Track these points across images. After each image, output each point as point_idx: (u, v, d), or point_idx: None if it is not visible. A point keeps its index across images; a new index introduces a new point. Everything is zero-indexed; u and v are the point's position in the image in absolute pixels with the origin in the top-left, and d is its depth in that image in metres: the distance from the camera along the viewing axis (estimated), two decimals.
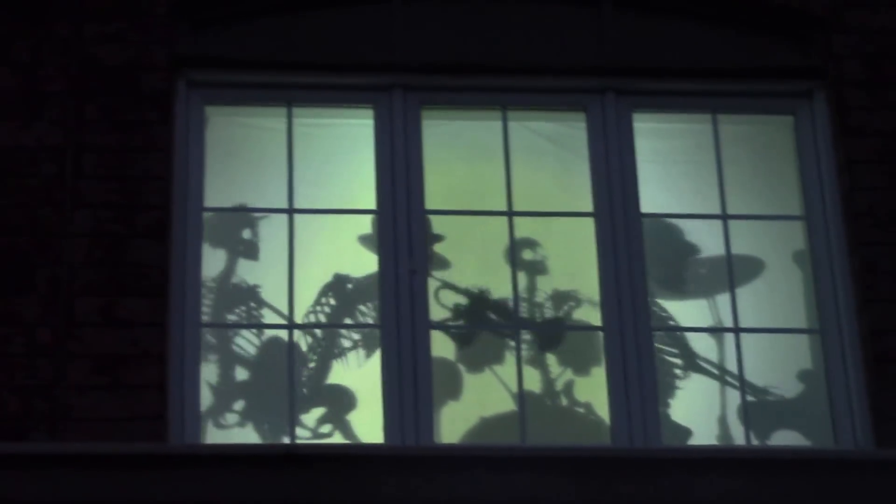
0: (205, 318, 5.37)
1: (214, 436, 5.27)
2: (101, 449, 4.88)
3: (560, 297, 5.53)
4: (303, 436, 5.27)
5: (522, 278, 5.51)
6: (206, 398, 5.30)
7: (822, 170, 5.62)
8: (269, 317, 5.41)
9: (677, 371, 5.46)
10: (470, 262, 5.56)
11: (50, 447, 4.91)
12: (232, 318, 5.42)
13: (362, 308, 5.46)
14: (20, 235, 5.26)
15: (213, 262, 5.47)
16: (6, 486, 4.80)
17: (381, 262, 5.44)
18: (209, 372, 5.34)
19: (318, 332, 5.41)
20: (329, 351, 5.41)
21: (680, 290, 5.57)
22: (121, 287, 5.21)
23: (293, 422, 5.28)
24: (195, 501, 4.83)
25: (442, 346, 5.40)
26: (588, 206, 5.56)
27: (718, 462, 4.97)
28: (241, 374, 5.37)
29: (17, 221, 5.28)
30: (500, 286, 5.51)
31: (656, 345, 5.42)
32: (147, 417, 5.07)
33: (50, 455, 4.85)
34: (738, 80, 5.69)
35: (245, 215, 5.54)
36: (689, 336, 5.49)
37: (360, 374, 5.40)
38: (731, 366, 5.44)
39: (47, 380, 5.09)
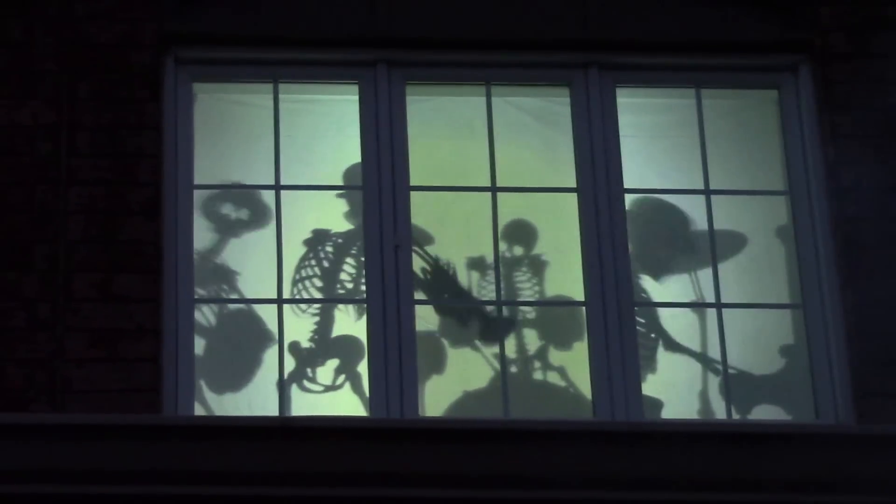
0: (197, 294, 5.43)
1: (207, 408, 5.35)
2: (101, 420, 4.97)
3: (543, 273, 5.55)
4: (292, 408, 5.35)
5: (506, 254, 5.54)
6: (199, 371, 5.36)
7: (806, 144, 5.59)
8: (257, 292, 5.46)
9: (659, 346, 5.48)
10: (454, 237, 5.58)
11: (50, 418, 5.01)
12: (222, 293, 5.47)
13: (348, 283, 5.52)
14: (19, 213, 5.34)
15: (204, 238, 5.52)
16: (8, 454, 4.90)
17: (366, 238, 5.47)
18: (201, 346, 5.40)
19: (305, 306, 5.47)
20: (316, 324, 5.46)
21: (662, 265, 5.57)
22: (116, 263, 5.29)
23: (283, 395, 5.34)
24: (192, 471, 4.92)
25: (426, 321, 5.43)
26: (571, 181, 5.56)
27: (700, 436, 5.00)
28: (231, 347, 5.43)
29: (15, 199, 5.35)
30: (483, 262, 5.53)
31: (638, 319, 5.44)
32: (142, 389, 5.16)
33: (50, 425, 4.95)
34: (722, 54, 5.66)
35: (233, 191, 5.58)
36: (672, 311, 5.49)
37: (346, 348, 5.45)
38: (714, 341, 5.45)
39: (47, 353, 5.19)
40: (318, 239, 5.56)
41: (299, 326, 5.46)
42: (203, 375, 5.37)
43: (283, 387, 5.35)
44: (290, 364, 5.41)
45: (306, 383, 5.41)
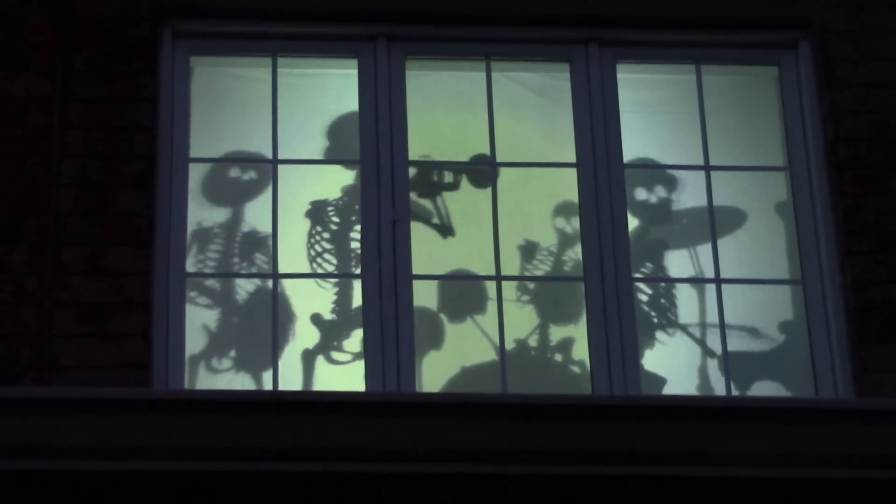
0: (189, 268, 5.40)
1: (198, 384, 5.31)
2: (89, 394, 4.90)
3: (542, 248, 5.55)
4: (285, 383, 5.32)
5: (504, 229, 5.53)
6: (190, 346, 5.33)
7: (805, 121, 5.61)
8: (252, 266, 5.44)
9: (658, 321, 5.48)
10: (452, 212, 5.56)
11: (36, 391, 4.93)
12: (216, 267, 5.44)
13: (345, 258, 5.49)
14: (8, 185, 5.30)
15: (198, 212, 5.49)
16: None
17: (364, 212, 5.45)
18: (193, 320, 5.37)
19: (301, 280, 5.45)
20: (312, 300, 5.45)
21: (662, 241, 5.57)
22: (107, 236, 5.25)
23: (276, 370, 5.32)
24: (183, 447, 4.86)
25: (424, 296, 5.42)
26: (571, 156, 5.56)
27: (699, 411, 4.98)
28: (225, 322, 5.40)
29: (5, 171, 5.30)
30: (482, 237, 5.52)
31: (637, 295, 5.44)
32: (132, 365, 5.11)
33: (37, 399, 4.87)
34: (722, 30, 5.67)
35: (229, 165, 5.56)
36: (671, 287, 5.50)
37: (343, 323, 5.43)
38: (713, 316, 5.45)
39: (35, 328, 5.13)
40: (315, 213, 5.53)
41: (298, 302, 5.44)
42: (196, 351, 5.34)
43: (276, 361, 5.31)
44: (287, 342, 5.39)
45: (309, 357, 5.39)
